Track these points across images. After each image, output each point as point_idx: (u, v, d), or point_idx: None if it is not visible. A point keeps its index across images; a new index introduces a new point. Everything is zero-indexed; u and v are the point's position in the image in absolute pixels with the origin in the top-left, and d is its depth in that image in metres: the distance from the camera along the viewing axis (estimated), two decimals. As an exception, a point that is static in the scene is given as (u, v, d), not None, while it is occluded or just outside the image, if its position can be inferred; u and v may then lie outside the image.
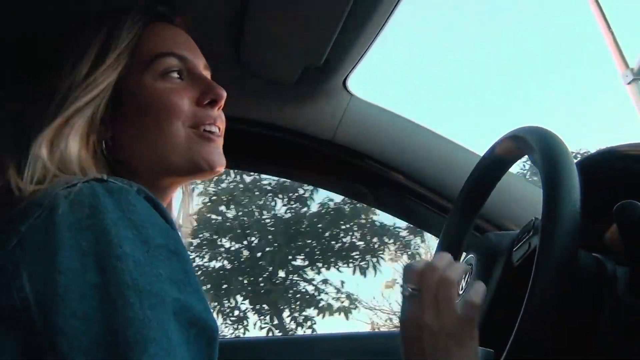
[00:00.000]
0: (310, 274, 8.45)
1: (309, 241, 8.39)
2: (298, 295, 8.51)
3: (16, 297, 0.49)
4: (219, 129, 0.71)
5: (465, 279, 0.71)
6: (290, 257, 8.52)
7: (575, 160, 0.62)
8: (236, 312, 8.55)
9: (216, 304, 8.31)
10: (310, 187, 7.76)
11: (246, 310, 8.54)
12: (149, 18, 0.71)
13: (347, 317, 7.95)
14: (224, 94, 0.71)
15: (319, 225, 8.31)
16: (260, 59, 1.00)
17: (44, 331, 0.47)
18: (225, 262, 8.64)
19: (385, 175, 1.16)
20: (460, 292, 0.71)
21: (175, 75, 0.69)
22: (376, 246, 8.30)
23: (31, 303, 0.48)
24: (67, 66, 0.66)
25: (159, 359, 0.46)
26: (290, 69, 1.02)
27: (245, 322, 8.55)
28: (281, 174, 1.27)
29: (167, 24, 0.73)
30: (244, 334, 8.44)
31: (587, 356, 0.59)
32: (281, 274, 8.61)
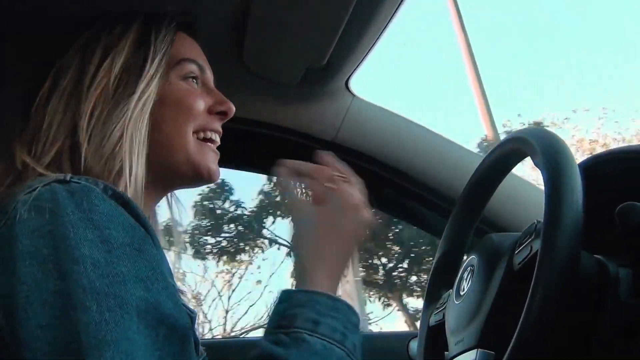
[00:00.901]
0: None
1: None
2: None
3: None
4: (217, 142, 0.75)
5: (467, 281, 0.71)
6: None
7: (577, 162, 0.62)
8: None
9: None
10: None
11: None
12: (177, 26, 0.75)
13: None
14: (234, 110, 0.75)
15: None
16: (263, 60, 1.00)
17: (12, 345, 0.46)
18: None
19: (387, 176, 1.16)
20: (462, 294, 0.71)
21: (193, 81, 0.74)
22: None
23: None
24: (105, 67, 0.67)
25: None
26: (293, 70, 1.02)
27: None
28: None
29: (188, 36, 0.77)
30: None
31: (589, 357, 0.59)
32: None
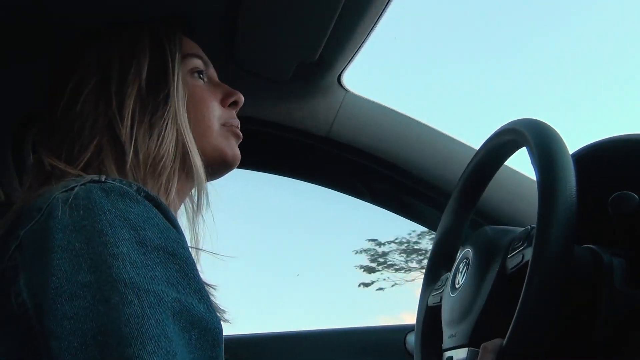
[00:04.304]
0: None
1: None
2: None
3: (14, 302, 0.49)
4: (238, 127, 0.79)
5: (462, 274, 0.71)
6: None
7: (571, 152, 0.61)
8: None
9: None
10: None
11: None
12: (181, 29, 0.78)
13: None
14: (243, 98, 0.79)
15: None
16: (254, 56, 1.00)
17: (40, 334, 0.47)
18: None
19: (381, 170, 1.16)
20: (457, 286, 0.71)
21: (200, 75, 0.77)
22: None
23: (28, 307, 0.48)
24: (130, 71, 0.70)
25: (157, 356, 0.45)
26: (285, 66, 1.01)
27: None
28: (276, 171, 1.27)
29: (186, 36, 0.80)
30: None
31: (585, 347, 0.59)
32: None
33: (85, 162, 0.64)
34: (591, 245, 0.60)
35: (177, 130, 0.68)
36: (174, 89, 0.70)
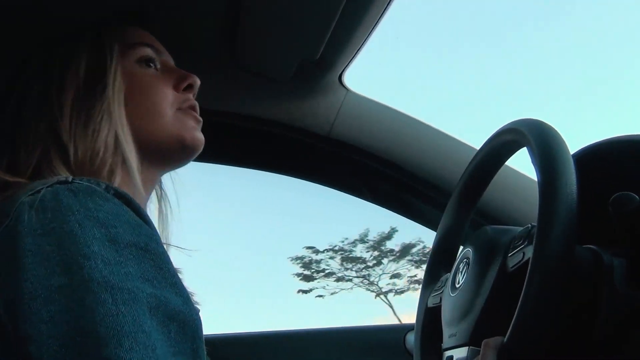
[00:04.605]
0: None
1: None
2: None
3: None
4: (197, 111, 0.76)
5: (462, 274, 0.71)
6: None
7: (571, 153, 0.61)
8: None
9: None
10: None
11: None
12: (128, 20, 0.78)
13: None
14: (199, 81, 0.76)
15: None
16: (255, 55, 1.00)
17: (16, 341, 0.46)
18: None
19: (382, 169, 1.16)
20: (457, 286, 0.71)
21: (151, 64, 0.75)
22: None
23: (2, 314, 0.48)
24: (71, 70, 0.70)
25: (136, 352, 0.45)
26: (286, 65, 1.01)
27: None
28: (277, 170, 1.27)
29: (141, 28, 0.79)
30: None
31: (585, 348, 0.59)
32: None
33: (33, 167, 0.64)
34: (592, 246, 0.60)
35: (113, 123, 0.67)
36: (109, 83, 0.69)
